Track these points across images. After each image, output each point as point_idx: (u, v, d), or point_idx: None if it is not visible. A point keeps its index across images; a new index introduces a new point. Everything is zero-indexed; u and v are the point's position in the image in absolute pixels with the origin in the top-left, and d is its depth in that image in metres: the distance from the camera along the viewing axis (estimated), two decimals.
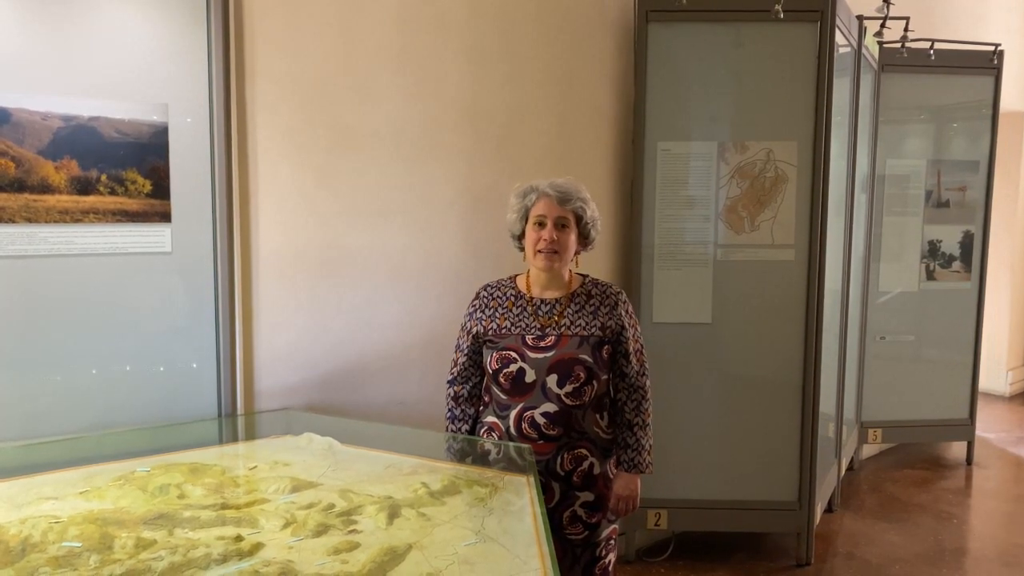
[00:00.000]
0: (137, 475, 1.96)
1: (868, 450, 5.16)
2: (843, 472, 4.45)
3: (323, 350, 2.63)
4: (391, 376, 2.77)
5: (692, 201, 3.39)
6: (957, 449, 5.31)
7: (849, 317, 4.24)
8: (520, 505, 1.85)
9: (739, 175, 3.37)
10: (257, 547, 1.58)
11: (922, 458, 5.23)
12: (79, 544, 1.55)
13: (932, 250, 4.94)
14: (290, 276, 2.54)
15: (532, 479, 1.94)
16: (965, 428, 5.08)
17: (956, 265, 4.97)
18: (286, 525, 1.69)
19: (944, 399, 5.03)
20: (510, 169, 2.99)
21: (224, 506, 1.79)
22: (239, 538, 1.61)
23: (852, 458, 4.86)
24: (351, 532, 1.66)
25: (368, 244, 2.70)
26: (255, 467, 2.09)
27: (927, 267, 4.95)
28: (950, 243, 4.95)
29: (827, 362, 3.70)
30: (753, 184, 3.37)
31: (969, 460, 5.13)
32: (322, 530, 1.67)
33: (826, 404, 3.83)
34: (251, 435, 2.46)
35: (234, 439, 2.46)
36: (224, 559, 1.53)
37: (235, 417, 2.43)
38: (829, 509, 4.18)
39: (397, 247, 2.77)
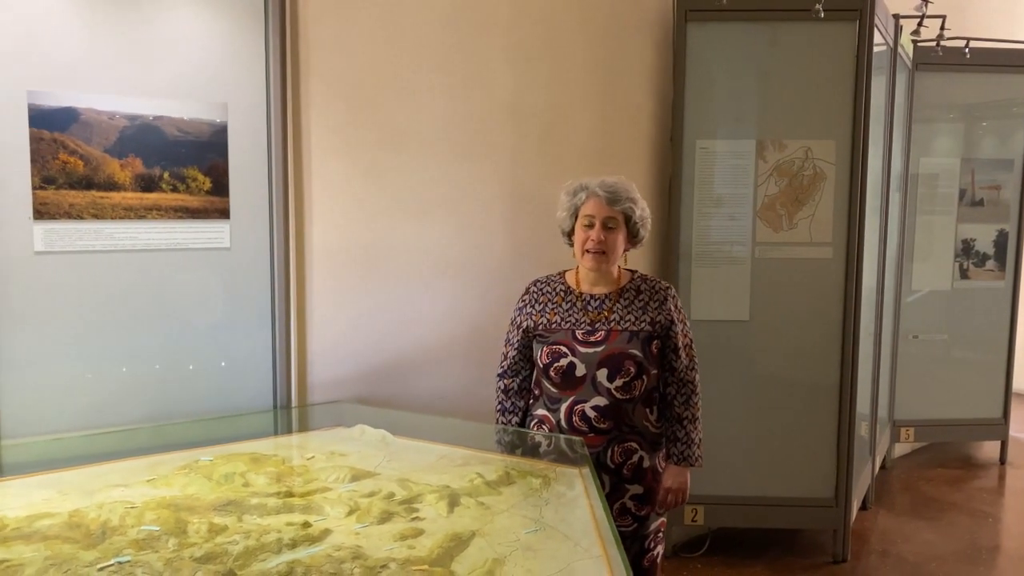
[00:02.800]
0: (201, 464, 2.02)
1: (900, 449, 5.15)
2: (876, 470, 4.45)
3: (370, 344, 2.68)
4: (436, 370, 2.82)
5: (730, 199, 3.41)
6: (989, 448, 5.29)
7: (883, 316, 4.24)
8: (572, 496, 1.89)
9: (777, 173, 3.39)
10: (325, 532, 1.63)
11: (954, 457, 5.22)
12: (157, 528, 1.61)
13: (966, 249, 4.92)
14: (340, 271, 2.60)
15: (587, 470, 1.98)
16: (998, 427, 5.06)
17: (990, 264, 4.95)
18: (350, 512, 1.73)
19: (977, 398, 5.01)
20: (552, 166, 3.03)
21: (288, 494, 1.84)
22: (307, 524, 1.66)
23: (884, 457, 4.86)
24: (414, 519, 1.71)
25: (414, 240, 2.75)
26: (312, 457, 2.14)
27: (960, 266, 4.93)
28: (984, 242, 4.93)
29: (862, 360, 3.70)
30: (791, 182, 3.38)
31: (1003, 459, 5.11)
32: (386, 517, 1.71)
33: (860, 402, 3.83)
34: (304, 427, 2.52)
35: (289, 430, 2.51)
36: (295, 544, 1.58)
37: (290, 409, 2.49)
38: (863, 507, 4.19)
39: (442, 243, 2.81)
